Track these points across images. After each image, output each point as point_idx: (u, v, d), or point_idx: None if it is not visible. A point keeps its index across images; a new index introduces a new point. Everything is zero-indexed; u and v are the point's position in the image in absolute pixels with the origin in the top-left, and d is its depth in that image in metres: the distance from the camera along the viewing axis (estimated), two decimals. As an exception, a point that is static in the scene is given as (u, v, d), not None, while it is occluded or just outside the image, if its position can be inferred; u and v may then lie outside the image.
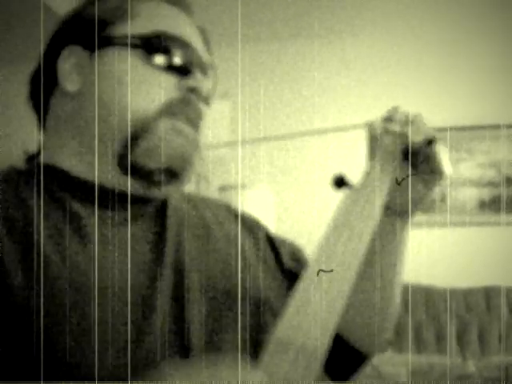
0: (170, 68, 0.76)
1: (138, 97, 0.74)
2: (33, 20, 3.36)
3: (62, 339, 0.61)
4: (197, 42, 0.81)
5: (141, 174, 0.74)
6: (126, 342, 0.63)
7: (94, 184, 0.74)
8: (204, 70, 0.80)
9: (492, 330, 3.35)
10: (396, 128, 0.73)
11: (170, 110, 0.75)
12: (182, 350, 0.66)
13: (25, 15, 3.45)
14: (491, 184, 3.70)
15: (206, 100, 0.80)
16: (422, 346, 3.36)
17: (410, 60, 3.87)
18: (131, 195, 0.76)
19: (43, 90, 0.80)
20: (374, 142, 0.75)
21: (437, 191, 0.78)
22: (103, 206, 0.74)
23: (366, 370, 0.88)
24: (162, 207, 0.79)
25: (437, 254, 3.50)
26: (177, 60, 0.77)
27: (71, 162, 0.76)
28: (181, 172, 0.76)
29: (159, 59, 0.76)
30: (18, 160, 0.81)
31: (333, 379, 0.82)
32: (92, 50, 0.77)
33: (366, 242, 0.65)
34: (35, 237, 0.66)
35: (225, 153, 3.96)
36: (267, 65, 4.05)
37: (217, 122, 4.00)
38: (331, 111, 3.91)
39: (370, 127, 0.76)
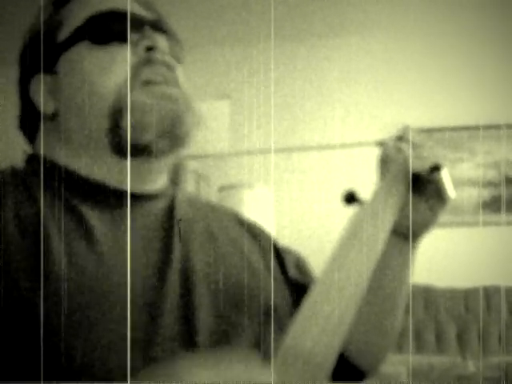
0: (121, 40, 0.76)
1: (105, 79, 0.74)
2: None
3: (65, 339, 0.61)
4: (132, 6, 0.79)
5: (139, 150, 0.73)
6: (132, 342, 0.63)
7: (99, 183, 0.75)
8: (154, 26, 0.78)
9: (492, 329, 3.35)
10: (407, 149, 0.73)
11: (137, 76, 0.74)
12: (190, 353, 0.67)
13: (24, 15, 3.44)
14: (491, 184, 3.70)
15: (175, 56, 0.79)
16: (422, 346, 3.37)
17: (411, 60, 3.87)
18: (135, 194, 0.75)
19: (31, 125, 0.81)
20: (385, 160, 0.76)
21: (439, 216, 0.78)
22: (109, 205, 0.74)
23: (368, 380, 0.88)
24: (169, 212, 0.79)
25: (437, 253, 3.50)
26: (120, 29, 0.76)
27: (73, 162, 0.76)
28: (178, 135, 0.74)
29: (105, 38, 0.75)
30: (18, 160, 0.81)
31: None
32: (52, 70, 0.77)
33: (376, 258, 0.65)
34: (41, 236, 0.66)
35: (225, 153, 3.96)
36: (269, 65, 4.04)
37: (216, 121, 4.00)
38: (335, 112, 3.91)
39: (383, 146, 0.76)
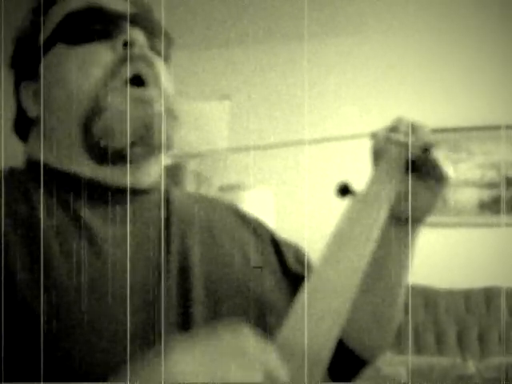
0: (99, 38, 0.72)
1: (82, 81, 0.70)
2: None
3: (65, 337, 0.61)
4: (109, 0, 0.76)
5: (110, 156, 0.71)
6: (131, 340, 0.63)
7: (93, 182, 0.74)
8: (133, 21, 0.74)
9: (492, 330, 3.35)
10: (401, 138, 0.74)
11: (116, 74, 0.70)
12: None
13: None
14: (491, 185, 3.70)
15: (158, 51, 0.76)
16: (421, 347, 3.36)
17: (410, 61, 3.88)
18: (127, 189, 0.75)
19: (25, 123, 0.80)
20: (378, 151, 0.76)
21: (441, 197, 0.78)
22: (104, 202, 0.73)
23: (367, 370, 0.88)
24: (166, 206, 0.79)
25: (437, 254, 3.50)
26: (97, 27, 0.73)
27: (59, 164, 0.75)
28: (153, 142, 0.71)
29: (81, 37, 0.72)
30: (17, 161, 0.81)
31: (334, 381, 0.82)
32: (37, 75, 0.76)
33: (371, 249, 0.65)
34: (39, 235, 0.66)
35: (225, 153, 3.96)
36: (268, 65, 4.05)
37: (216, 121, 4.00)
38: (333, 112, 3.92)
39: (375, 137, 0.76)
